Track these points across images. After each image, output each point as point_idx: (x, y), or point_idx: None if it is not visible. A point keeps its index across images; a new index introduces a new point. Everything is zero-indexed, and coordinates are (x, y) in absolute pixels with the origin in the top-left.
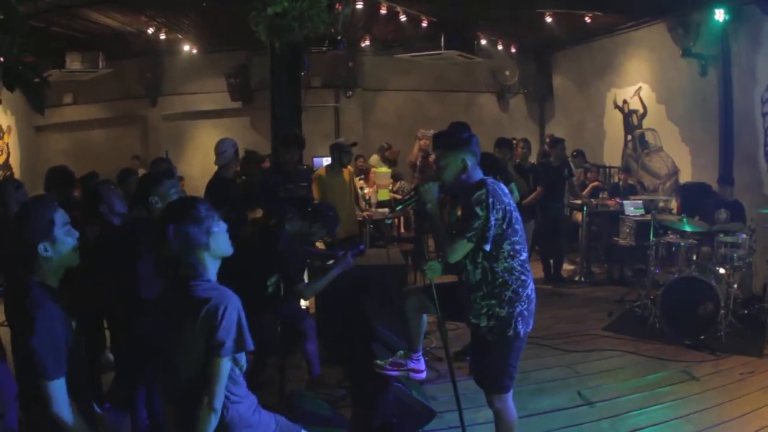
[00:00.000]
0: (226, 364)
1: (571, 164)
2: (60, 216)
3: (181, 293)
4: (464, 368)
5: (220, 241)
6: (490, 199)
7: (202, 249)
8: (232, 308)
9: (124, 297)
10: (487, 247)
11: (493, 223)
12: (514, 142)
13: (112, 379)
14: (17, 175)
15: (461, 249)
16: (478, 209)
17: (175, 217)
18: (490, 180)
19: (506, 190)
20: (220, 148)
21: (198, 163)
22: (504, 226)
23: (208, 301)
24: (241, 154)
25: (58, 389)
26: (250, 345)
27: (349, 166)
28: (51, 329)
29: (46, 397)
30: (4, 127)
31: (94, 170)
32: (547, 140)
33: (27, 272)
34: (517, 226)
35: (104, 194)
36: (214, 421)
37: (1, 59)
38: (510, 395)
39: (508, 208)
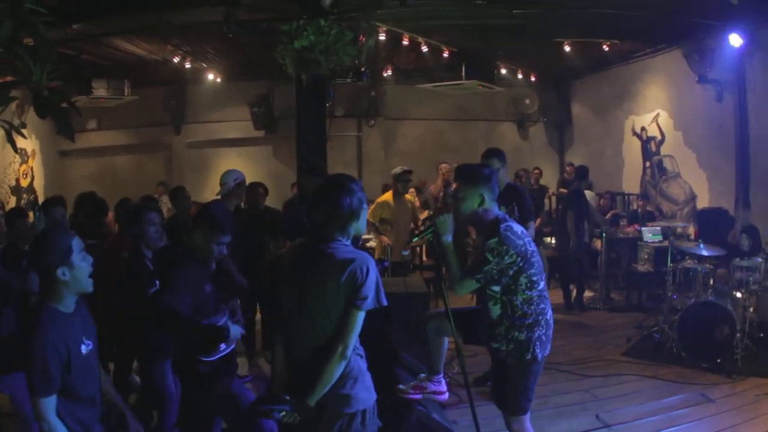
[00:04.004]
0: (362, 317)
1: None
2: (77, 242)
3: (323, 256)
4: (486, 393)
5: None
6: (503, 247)
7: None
8: (372, 267)
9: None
10: (496, 288)
11: (500, 269)
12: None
13: (134, 400)
14: (42, 199)
15: (468, 286)
16: (489, 255)
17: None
18: (503, 226)
19: (519, 231)
20: (222, 179)
21: None
22: (520, 264)
23: (352, 262)
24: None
25: (45, 406)
26: (384, 301)
27: (408, 194)
28: (42, 352)
29: (35, 412)
30: (29, 151)
31: (126, 196)
32: (568, 168)
33: (42, 297)
34: (533, 260)
35: (141, 217)
36: (342, 366)
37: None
38: (527, 417)
39: (521, 249)
